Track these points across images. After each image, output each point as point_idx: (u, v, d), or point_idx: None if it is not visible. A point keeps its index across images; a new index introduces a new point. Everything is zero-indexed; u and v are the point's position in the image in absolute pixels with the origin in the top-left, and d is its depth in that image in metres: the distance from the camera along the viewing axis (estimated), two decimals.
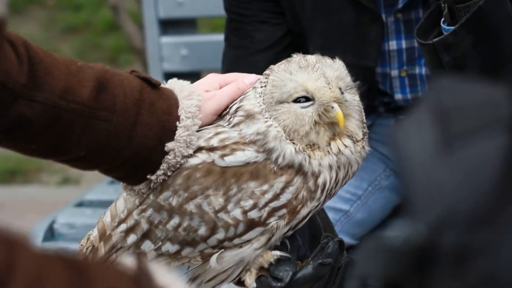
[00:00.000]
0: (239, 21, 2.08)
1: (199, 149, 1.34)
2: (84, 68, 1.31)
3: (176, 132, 1.33)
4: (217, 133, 1.35)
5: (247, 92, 1.36)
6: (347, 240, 2.11)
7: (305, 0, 2.00)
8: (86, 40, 6.31)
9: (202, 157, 1.33)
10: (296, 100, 1.33)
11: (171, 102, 1.35)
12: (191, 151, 1.33)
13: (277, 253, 1.36)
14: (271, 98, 1.33)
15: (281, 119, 1.32)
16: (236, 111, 1.34)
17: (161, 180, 1.34)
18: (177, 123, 1.33)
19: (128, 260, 0.78)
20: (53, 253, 0.74)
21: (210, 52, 2.92)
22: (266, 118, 1.32)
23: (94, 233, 1.45)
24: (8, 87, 1.23)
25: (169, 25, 3.07)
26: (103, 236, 1.42)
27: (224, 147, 1.32)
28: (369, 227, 2.17)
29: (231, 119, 1.34)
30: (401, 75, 2.05)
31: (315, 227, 1.47)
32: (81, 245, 1.48)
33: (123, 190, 1.41)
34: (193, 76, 3.11)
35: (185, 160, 1.33)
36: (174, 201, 1.34)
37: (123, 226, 1.39)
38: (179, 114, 1.34)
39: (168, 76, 3.09)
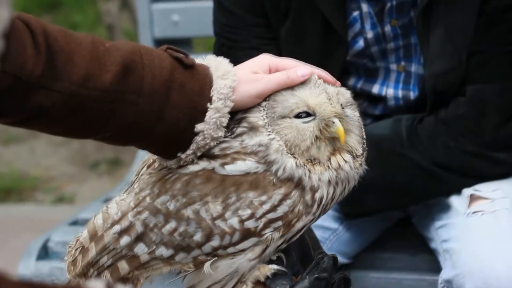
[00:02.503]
0: (230, 46, 2.03)
1: (200, 157, 1.34)
2: (111, 51, 1.29)
3: (207, 113, 1.31)
4: (219, 142, 1.34)
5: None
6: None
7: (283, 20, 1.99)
8: None
9: (202, 164, 1.33)
10: (298, 116, 1.34)
11: (204, 82, 1.32)
12: (221, 133, 1.32)
13: (274, 267, 1.36)
14: (273, 112, 1.34)
15: (283, 133, 1.33)
16: (240, 121, 1.35)
17: (190, 160, 1.33)
18: (208, 104, 1.31)
19: (97, 285, 0.78)
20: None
21: None
22: (269, 131, 1.33)
23: (84, 234, 1.43)
24: (22, 80, 1.21)
25: (164, 45, 3.07)
26: (94, 236, 1.41)
27: (225, 155, 1.32)
28: (360, 246, 2.16)
29: (234, 128, 1.35)
30: (398, 70, 2.04)
31: (305, 245, 1.47)
32: (69, 247, 1.46)
33: (158, 161, 1.38)
34: None
35: (215, 142, 1.32)
36: (171, 206, 1.34)
37: (116, 228, 1.38)
38: (211, 95, 1.31)
39: None
